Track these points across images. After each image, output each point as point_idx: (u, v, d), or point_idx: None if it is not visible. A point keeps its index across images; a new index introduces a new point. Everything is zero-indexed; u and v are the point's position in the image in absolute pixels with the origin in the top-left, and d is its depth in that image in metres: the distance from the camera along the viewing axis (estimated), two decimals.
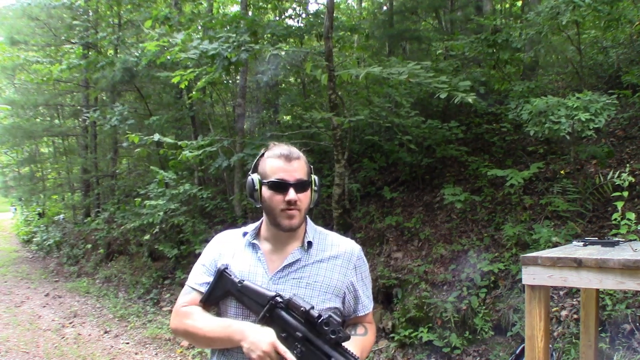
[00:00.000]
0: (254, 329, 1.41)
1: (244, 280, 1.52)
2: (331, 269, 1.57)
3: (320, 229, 1.69)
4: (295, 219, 1.53)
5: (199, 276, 1.60)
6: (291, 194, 1.50)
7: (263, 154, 1.60)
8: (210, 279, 1.57)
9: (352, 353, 1.39)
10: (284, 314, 1.43)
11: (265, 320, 1.44)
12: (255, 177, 1.57)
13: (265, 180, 1.54)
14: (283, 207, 1.51)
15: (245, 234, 1.64)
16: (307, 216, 1.64)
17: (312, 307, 1.39)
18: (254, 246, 1.60)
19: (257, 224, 1.66)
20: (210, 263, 1.61)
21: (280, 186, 1.51)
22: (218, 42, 5.93)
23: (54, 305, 8.49)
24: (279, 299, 1.44)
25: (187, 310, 1.56)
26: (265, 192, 1.54)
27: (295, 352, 1.36)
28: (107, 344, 6.31)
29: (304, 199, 1.54)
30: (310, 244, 1.59)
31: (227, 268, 1.55)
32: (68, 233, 14.01)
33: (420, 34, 9.58)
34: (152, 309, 7.80)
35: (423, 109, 7.70)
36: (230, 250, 1.61)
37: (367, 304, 1.64)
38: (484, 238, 5.69)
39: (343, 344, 1.38)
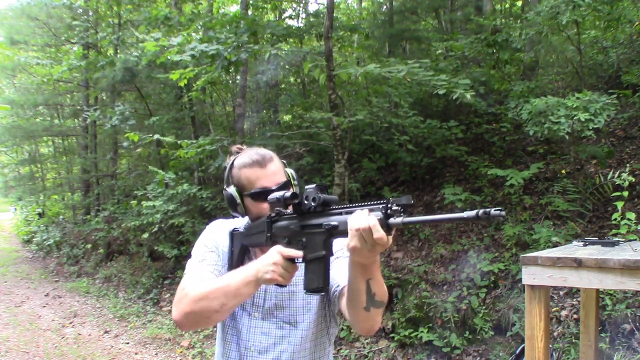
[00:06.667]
0: (261, 256, 1.35)
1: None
2: None
3: None
4: None
5: (210, 259, 1.52)
6: None
7: (232, 163, 1.52)
8: (219, 259, 1.53)
9: (341, 206, 1.32)
10: (278, 223, 1.40)
11: (272, 242, 1.40)
12: (232, 190, 1.49)
13: (246, 192, 1.47)
14: None
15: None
16: None
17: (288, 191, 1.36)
18: None
19: (245, 221, 1.59)
20: (214, 245, 1.56)
21: (264, 195, 1.43)
22: (217, 43, 5.93)
23: (54, 305, 8.49)
24: (272, 214, 1.42)
25: (198, 284, 1.41)
26: (250, 203, 1.48)
27: (298, 246, 1.33)
28: (107, 344, 6.31)
29: None
30: None
31: (235, 229, 1.53)
32: (68, 233, 14.00)
33: (420, 34, 9.57)
34: (152, 309, 7.80)
35: (423, 108, 7.69)
36: (224, 242, 1.57)
37: None
38: (484, 238, 5.69)
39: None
